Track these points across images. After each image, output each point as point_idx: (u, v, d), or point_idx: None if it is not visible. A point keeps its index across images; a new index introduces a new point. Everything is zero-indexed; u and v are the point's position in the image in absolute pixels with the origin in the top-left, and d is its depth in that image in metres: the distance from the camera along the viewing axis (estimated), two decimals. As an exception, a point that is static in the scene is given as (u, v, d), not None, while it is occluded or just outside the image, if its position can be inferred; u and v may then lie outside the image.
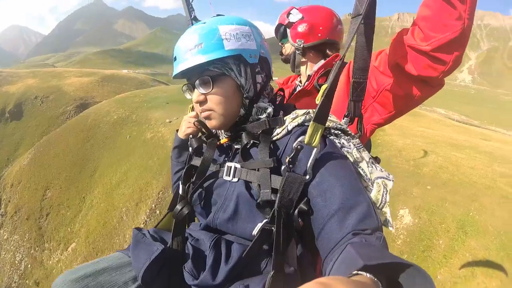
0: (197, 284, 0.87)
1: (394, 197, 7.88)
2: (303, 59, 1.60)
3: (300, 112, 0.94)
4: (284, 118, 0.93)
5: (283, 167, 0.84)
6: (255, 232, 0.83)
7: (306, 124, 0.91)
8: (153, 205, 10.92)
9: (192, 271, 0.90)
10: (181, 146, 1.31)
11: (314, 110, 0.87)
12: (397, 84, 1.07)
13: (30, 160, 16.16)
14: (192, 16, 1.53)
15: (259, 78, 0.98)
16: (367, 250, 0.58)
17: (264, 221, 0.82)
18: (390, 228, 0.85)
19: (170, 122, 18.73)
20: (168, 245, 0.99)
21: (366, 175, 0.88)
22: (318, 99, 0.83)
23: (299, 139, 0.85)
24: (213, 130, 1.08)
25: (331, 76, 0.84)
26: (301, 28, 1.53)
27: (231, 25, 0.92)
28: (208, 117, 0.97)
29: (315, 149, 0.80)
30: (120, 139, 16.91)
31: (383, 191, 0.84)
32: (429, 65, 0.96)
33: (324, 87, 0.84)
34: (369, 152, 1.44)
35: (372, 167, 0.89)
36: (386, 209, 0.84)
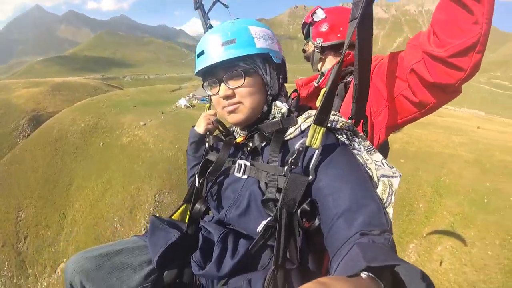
0: (202, 274, 0.92)
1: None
2: (321, 57, 1.64)
3: (312, 112, 0.96)
4: (297, 118, 0.95)
5: (286, 168, 0.85)
6: (259, 229, 0.86)
7: None
8: (151, 209, 10.49)
9: (199, 261, 0.94)
10: (198, 141, 1.33)
11: None
12: (412, 90, 1.04)
13: (-6, 182, 14.59)
14: (208, 25, 1.58)
15: (280, 79, 1.02)
16: (372, 251, 0.58)
17: (268, 218, 0.85)
18: None
19: (145, 124, 17.87)
20: (183, 233, 1.04)
21: (374, 177, 0.88)
22: (318, 102, 0.85)
23: (301, 141, 0.86)
24: (231, 128, 1.14)
25: (329, 79, 0.85)
26: (322, 27, 1.58)
27: (258, 26, 0.97)
28: (234, 111, 0.97)
29: (317, 150, 0.82)
30: (93, 148, 15.74)
31: (389, 191, 0.84)
32: (445, 72, 0.92)
33: (323, 90, 0.86)
34: (386, 156, 1.56)
35: (381, 168, 0.88)
36: (390, 210, 0.81)
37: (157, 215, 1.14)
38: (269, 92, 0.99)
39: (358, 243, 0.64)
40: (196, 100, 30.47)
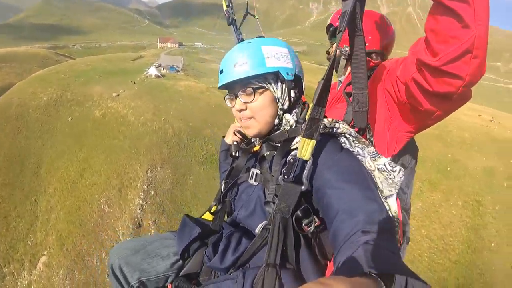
0: (209, 265, 1.04)
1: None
2: (346, 65, 1.58)
3: None
4: (303, 128, 0.97)
5: (279, 177, 0.91)
6: (257, 230, 0.94)
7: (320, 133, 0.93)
8: (145, 186, 9.34)
9: (210, 254, 1.03)
10: (227, 150, 1.42)
11: (328, 119, 0.97)
12: (415, 98, 1.01)
13: None
14: (240, 39, 1.67)
15: (292, 93, 1.06)
16: (373, 254, 0.60)
17: (264, 222, 0.94)
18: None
19: (118, 95, 15.90)
20: (206, 230, 1.15)
21: (378, 185, 0.91)
22: (307, 116, 0.88)
23: (292, 152, 0.94)
24: (252, 138, 1.20)
25: (315, 94, 0.87)
26: None
27: (272, 46, 1.04)
28: (247, 126, 1.06)
29: (309, 161, 0.85)
30: (60, 123, 13.71)
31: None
32: (443, 81, 0.88)
33: (311, 105, 0.87)
34: (415, 157, 1.60)
35: (385, 177, 0.91)
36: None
37: (189, 214, 1.26)
38: (279, 107, 1.04)
39: (361, 245, 0.65)
40: (165, 69, 28.18)
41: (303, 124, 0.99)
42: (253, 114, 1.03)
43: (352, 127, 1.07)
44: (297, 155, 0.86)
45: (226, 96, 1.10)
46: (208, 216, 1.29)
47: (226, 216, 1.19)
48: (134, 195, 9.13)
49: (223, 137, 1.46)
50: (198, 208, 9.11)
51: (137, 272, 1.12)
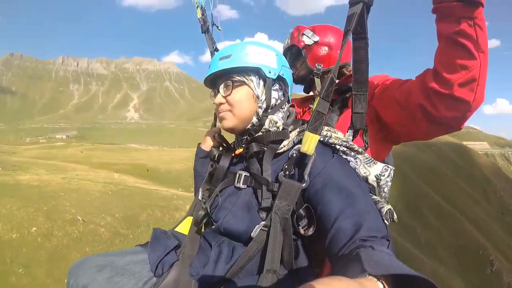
0: (199, 278, 0.94)
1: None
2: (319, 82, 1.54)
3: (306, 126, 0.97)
4: (291, 133, 0.99)
5: (280, 173, 0.89)
6: (253, 234, 0.89)
7: None
8: None
9: (196, 267, 0.97)
10: (204, 157, 1.39)
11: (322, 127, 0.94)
12: (416, 122, 1.08)
13: None
14: (214, 48, 1.65)
15: (275, 94, 1.06)
16: (373, 258, 0.58)
17: (262, 223, 0.88)
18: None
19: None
20: (183, 244, 1.08)
21: (376, 189, 0.93)
22: (312, 110, 0.89)
23: (295, 147, 0.93)
24: (233, 143, 1.19)
25: (323, 88, 0.90)
26: (321, 51, 1.48)
27: (259, 46, 1.07)
28: (223, 117, 1.06)
29: (312, 157, 0.85)
30: None
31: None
32: (452, 106, 0.97)
33: (317, 99, 0.89)
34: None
35: (380, 179, 0.93)
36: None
37: (159, 228, 1.17)
38: (259, 105, 1.04)
39: (361, 250, 0.65)
40: None
41: (291, 127, 1.01)
42: (231, 108, 1.03)
43: (349, 128, 1.09)
44: (301, 150, 0.85)
45: (211, 93, 1.11)
46: (181, 229, 1.21)
47: (203, 227, 1.12)
48: None
49: (199, 144, 1.40)
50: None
51: None
